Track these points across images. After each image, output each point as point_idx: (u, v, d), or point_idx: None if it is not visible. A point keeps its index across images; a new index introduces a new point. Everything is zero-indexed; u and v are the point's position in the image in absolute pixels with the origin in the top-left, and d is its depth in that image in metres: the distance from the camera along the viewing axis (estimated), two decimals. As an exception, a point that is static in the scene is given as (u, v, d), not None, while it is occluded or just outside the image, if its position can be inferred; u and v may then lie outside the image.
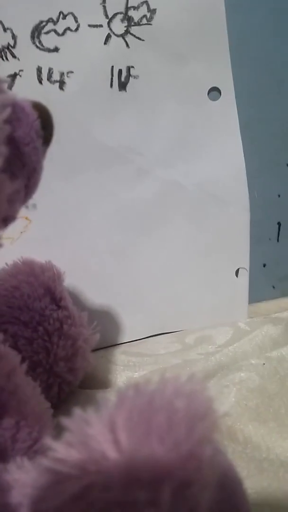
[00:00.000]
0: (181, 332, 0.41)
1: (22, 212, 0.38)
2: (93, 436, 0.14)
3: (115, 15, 0.35)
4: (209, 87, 0.37)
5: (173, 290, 0.41)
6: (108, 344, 0.40)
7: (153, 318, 0.41)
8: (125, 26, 0.35)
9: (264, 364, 0.33)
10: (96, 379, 0.35)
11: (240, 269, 0.41)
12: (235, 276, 0.41)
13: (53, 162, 0.37)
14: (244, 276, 0.41)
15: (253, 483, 0.24)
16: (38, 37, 0.35)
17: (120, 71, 0.36)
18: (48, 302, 0.32)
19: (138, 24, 0.35)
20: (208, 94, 0.37)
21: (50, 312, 0.32)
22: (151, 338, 0.41)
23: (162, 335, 0.41)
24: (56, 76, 0.36)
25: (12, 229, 0.38)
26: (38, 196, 0.37)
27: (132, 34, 0.35)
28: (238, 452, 0.27)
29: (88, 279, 0.40)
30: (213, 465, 0.13)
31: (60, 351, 0.31)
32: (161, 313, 0.41)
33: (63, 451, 0.14)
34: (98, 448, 0.13)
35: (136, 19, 0.35)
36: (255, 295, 0.43)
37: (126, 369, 0.35)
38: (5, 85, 0.19)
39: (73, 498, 0.13)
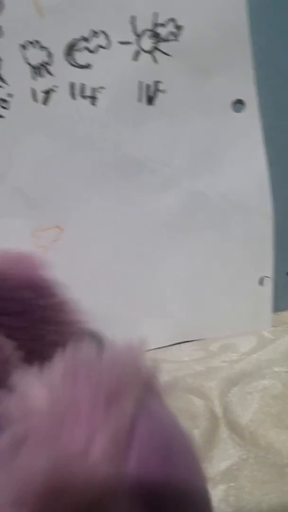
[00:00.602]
0: (205, 340, 0.41)
1: (54, 221, 0.40)
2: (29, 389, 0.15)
3: (143, 32, 0.36)
4: (233, 99, 0.38)
5: (196, 299, 0.42)
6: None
7: (177, 326, 0.42)
8: (153, 43, 0.37)
9: (287, 372, 0.34)
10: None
11: (264, 278, 0.42)
12: (259, 285, 0.42)
13: (83, 173, 0.39)
14: (268, 285, 0.42)
15: (275, 488, 0.25)
16: (72, 55, 0.37)
17: (148, 86, 0.38)
18: (32, 291, 0.33)
19: (165, 40, 0.36)
20: (232, 106, 0.38)
21: (36, 301, 0.33)
22: (175, 345, 0.42)
23: (186, 343, 0.41)
24: (88, 92, 0.38)
25: (46, 237, 0.40)
26: (70, 206, 0.40)
27: (159, 50, 0.37)
28: (260, 457, 0.27)
29: (113, 286, 0.41)
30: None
31: (53, 337, 0.32)
32: (184, 321, 0.42)
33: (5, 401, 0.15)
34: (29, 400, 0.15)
35: (163, 36, 0.36)
36: (279, 304, 0.43)
37: (151, 374, 0.36)
38: None
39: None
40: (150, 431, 0.15)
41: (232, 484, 0.25)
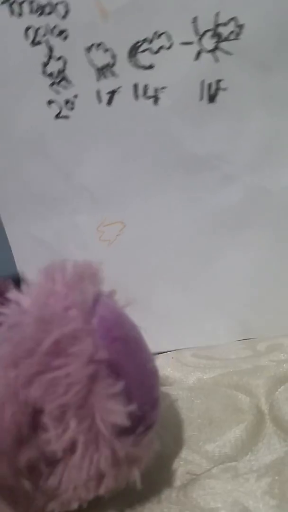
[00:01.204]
0: (252, 340, 0.41)
1: (118, 217, 0.42)
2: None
3: (205, 32, 0.36)
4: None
5: (255, 296, 0.42)
6: (186, 346, 0.42)
7: (235, 324, 0.42)
8: (214, 42, 0.37)
9: None
10: (167, 377, 0.37)
11: None
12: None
13: (145, 170, 0.41)
14: None
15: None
16: (135, 56, 0.38)
17: (209, 85, 0.38)
18: None
19: (227, 39, 0.36)
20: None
21: None
22: (221, 344, 0.42)
23: (233, 342, 0.41)
24: (151, 92, 0.39)
25: (110, 232, 0.43)
26: (133, 202, 0.41)
27: (221, 49, 0.37)
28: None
29: (173, 281, 0.42)
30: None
31: None
32: (243, 319, 0.42)
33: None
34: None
35: (225, 35, 0.36)
36: None
37: (197, 370, 0.37)
38: None
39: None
40: (108, 306, 0.23)
41: (277, 477, 0.25)
